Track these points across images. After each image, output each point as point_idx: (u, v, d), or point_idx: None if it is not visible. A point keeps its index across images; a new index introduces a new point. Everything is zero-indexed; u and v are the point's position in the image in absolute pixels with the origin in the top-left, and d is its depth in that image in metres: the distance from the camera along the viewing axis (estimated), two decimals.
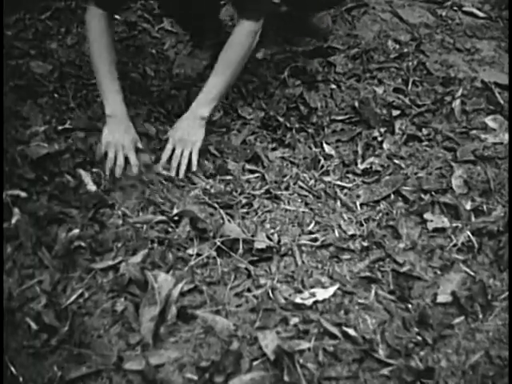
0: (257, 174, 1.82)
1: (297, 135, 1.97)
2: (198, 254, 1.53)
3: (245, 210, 1.68)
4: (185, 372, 1.28)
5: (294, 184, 1.79)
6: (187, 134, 1.78)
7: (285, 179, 1.80)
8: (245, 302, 1.43)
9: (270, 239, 1.58)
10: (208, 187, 1.74)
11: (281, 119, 2.02)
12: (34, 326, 1.35)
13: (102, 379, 1.27)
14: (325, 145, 1.93)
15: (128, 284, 1.44)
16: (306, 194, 1.76)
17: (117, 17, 2.42)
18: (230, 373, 1.27)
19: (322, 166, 1.86)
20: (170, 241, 1.56)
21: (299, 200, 1.74)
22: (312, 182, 1.80)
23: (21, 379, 1.26)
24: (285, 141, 1.95)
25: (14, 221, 1.56)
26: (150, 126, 1.94)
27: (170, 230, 1.60)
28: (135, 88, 2.08)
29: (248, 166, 1.85)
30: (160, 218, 1.62)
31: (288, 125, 2.00)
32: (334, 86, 2.16)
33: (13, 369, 1.27)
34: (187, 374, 1.28)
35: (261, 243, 1.55)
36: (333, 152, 1.91)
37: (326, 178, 1.81)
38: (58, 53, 2.25)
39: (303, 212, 1.69)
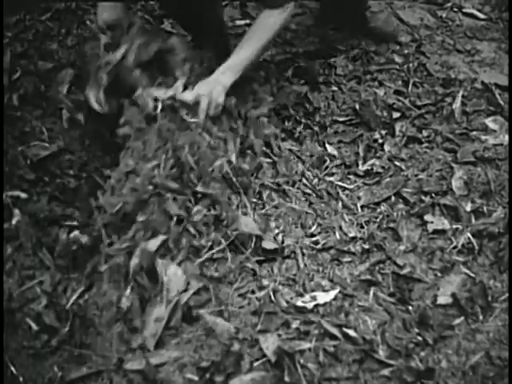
0: (268, 160, 1.82)
1: (304, 132, 1.97)
2: (210, 248, 1.51)
3: (255, 200, 1.68)
4: (185, 372, 1.28)
5: (299, 181, 1.79)
6: (209, 93, 1.72)
7: (292, 174, 1.80)
8: (247, 303, 1.43)
9: (275, 239, 1.58)
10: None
11: (290, 110, 2.02)
12: (34, 326, 1.35)
13: (102, 380, 1.27)
14: (327, 145, 1.94)
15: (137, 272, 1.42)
16: (310, 192, 1.76)
17: None
18: (230, 373, 1.27)
19: (327, 167, 1.86)
20: (187, 221, 1.53)
21: (303, 198, 1.74)
22: (315, 180, 1.80)
23: (21, 379, 1.26)
24: (294, 133, 1.96)
25: (14, 221, 1.56)
26: None
27: (189, 206, 1.56)
28: None
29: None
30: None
31: (297, 117, 2.00)
32: (335, 88, 2.16)
33: (13, 369, 1.27)
34: (188, 374, 1.28)
35: (269, 244, 1.55)
36: (335, 152, 1.91)
37: (329, 178, 1.82)
38: (58, 54, 2.25)
39: (306, 213, 1.69)
